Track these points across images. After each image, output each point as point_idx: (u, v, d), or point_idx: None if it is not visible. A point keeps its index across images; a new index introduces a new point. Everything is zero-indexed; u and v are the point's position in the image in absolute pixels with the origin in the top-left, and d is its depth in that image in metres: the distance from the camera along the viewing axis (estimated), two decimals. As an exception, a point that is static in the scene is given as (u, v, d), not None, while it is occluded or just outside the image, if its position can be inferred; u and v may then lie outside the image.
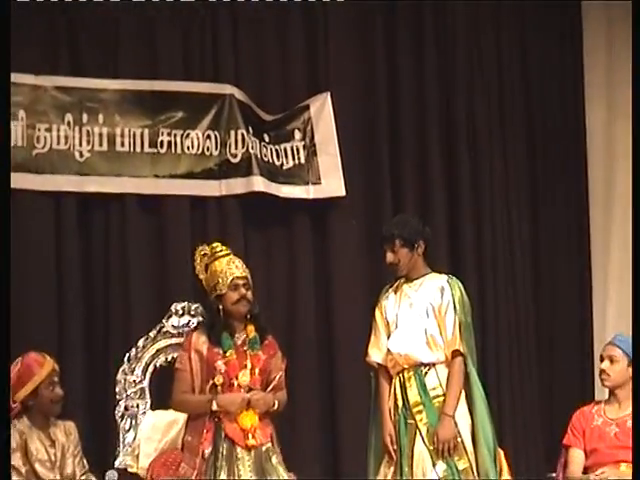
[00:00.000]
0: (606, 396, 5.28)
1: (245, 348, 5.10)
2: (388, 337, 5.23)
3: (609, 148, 6.85)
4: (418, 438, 4.93)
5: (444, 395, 4.97)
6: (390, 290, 5.28)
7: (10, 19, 4.90)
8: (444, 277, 5.09)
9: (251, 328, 5.14)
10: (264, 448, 5.03)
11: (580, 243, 6.84)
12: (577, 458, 5.20)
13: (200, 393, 5.10)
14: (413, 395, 4.91)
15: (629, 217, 6.40)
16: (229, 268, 5.18)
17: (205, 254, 5.28)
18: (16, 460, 5.03)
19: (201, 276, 5.33)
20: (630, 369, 5.26)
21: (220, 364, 5.06)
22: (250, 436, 4.97)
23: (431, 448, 4.94)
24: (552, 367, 6.75)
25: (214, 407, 4.92)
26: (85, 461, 5.18)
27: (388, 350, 5.20)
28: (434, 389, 4.96)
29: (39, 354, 5.20)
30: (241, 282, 5.07)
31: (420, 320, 4.97)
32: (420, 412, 4.90)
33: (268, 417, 5.12)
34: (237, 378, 5.05)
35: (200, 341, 5.11)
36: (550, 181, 6.78)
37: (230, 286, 5.06)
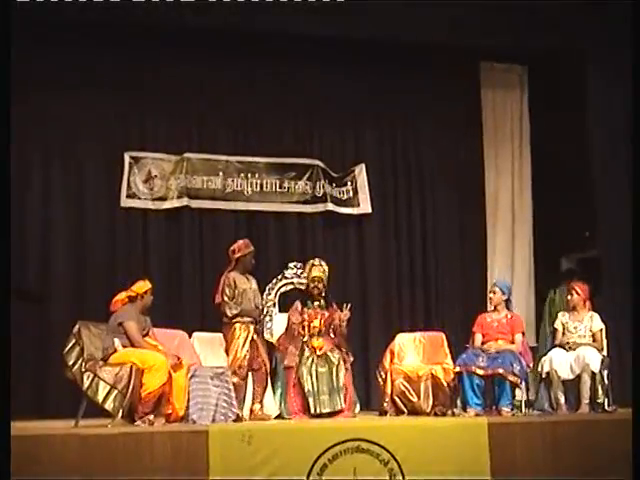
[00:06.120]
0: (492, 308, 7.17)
1: (317, 309, 7.29)
2: None
3: (496, 195, 9.55)
4: None
5: None
6: None
7: (10, 20, 4.86)
8: None
9: (322, 300, 7.32)
10: (335, 356, 6.95)
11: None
12: (474, 338, 7.10)
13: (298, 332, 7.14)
14: None
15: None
16: (311, 272, 7.37)
17: (311, 263, 7.43)
18: (229, 291, 6.85)
19: (305, 273, 7.59)
20: (503, 297, 6.93)
21: (305, 316, 7.25)
22: (318, 349, 7.11)
23: None
24: (470, 286, 9.16)
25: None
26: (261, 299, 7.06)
27: None
28: None
29: (247, 240, 7.17)
30: (317, 279, 7.27)
31: None
32: None
33: (333, 343, 6.97)
34: (313, 322, 7.19)
35: (297, 306, 7.32)
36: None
37: (312, 280, 7.35)
